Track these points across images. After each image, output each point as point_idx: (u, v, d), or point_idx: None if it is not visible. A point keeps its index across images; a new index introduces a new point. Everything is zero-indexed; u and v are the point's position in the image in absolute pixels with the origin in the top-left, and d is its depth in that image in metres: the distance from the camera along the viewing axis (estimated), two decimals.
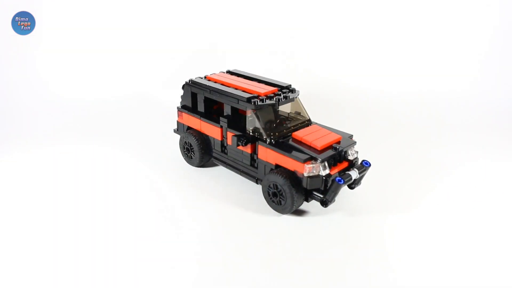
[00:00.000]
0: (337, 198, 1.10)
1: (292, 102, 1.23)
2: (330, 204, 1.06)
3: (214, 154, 1.33)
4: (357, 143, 1.15)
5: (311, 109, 1.39)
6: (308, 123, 1.23)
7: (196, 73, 1.48)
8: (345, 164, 1.11)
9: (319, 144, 1.07)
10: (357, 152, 1.15)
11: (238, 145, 1.15)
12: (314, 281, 0.89)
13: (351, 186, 1.14)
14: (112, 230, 1.06)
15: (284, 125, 1.19)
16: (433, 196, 1.22)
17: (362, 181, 1.15)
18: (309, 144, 1.09)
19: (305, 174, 1.04)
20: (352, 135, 1.17)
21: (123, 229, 1.07)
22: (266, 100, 1.14)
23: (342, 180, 1.02)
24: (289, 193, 1.05)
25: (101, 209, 1.15)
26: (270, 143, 1.11)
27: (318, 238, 1.03)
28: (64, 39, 2.12)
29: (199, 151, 1.33)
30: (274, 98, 1.16)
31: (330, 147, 1.08)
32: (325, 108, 1.92)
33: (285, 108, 1.29)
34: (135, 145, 1.56)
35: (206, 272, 0.91)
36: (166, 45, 2.18)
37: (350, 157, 1.12)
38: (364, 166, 1.10)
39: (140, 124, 1.79)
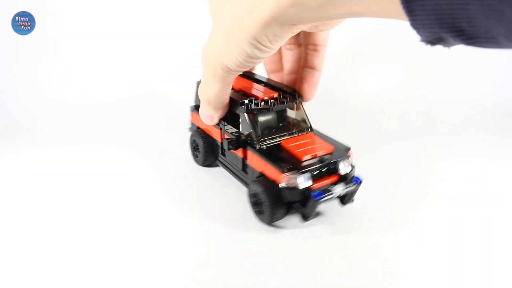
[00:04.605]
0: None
1: (293, 107, 1.18)
2: (310, 219, 1.00)
3: (219, 157, 1.32)
4: (352, 156, 1.07)
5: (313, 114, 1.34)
6: (306, 131, 1.17)
7: None
8: (335, 178, 1.04)
9: (303, 154, 1.01)
10: (352, 166, 1.07)
11: (229, 148, 1.13)
12: None
13: (342, 202, 1.07)
14: (112, 227, 1.09)
15: (279, 131, 1.14)
16: (428, 213, 1.16)
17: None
18: (293, 153, 1.03)
19: (282, 185, 0.98)
20: (349, 148, 1.09)
21: (124, 226, 1.09)
22: (261, 104, 1.09)
23: (319, 196, 0.94)
24: (268, 204, 1.01)
25: (104, 205, 1.19)
26: (257, 149, 1.07)
27: (301, 253, 0.98)
28: (67, 38, 2.12)
29: (203, 151, 1.34)
30: (270, 103, 1.11)
31: (316, 158, 1.02)
32: (323, 113, 1.90)
33: (291, 114, 1.23)
34: (143, 144, 1.61)
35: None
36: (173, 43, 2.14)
37: (341, 171, 1.04)
38: (353, 183, 1.02)
39: (149, 122, 1.83)
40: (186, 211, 1.16)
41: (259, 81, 1.28)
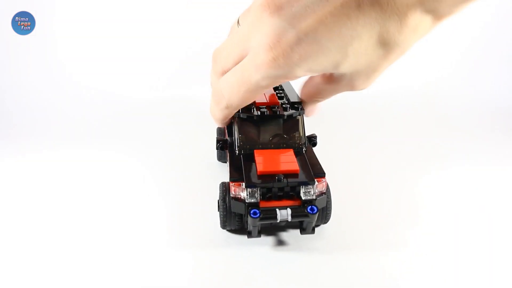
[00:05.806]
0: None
1: (293, 120, 1.08)
2: (253, 237, 0.96)
3: None
4: (324, 184, 0.97)
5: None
6: (298, 147, 1.07)
7: None
8: (296, 202, 0.95)
9: (261, 168, 0.95)
10: (322, 193, 0.97)
11: (216, 147, 1.16)
12: None
13: (300, 230, 1.00)
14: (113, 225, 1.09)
15: (264, 141, 1.06)
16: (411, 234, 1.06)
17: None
18: (256, 165, 0.97)
19: (232, 194, 0.96)
20: (323, 175, 0.98)
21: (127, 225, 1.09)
22: (253, 111, 1.06)
23: (255, 215, 0.89)
24: (221, 209, 0.99)
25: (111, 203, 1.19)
26: (232, 154, 1.06)
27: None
28: (67, 38, 2.12)
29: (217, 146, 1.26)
30: (258, 111, 1.06)
31: (275, 175, 0.93)
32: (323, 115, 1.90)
33: (288, 126, 1.11)
34: (144, 144, 1.60)
35: None
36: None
37: (303, 196, 0.95)
38: (307, 212, 0.92)
39: (150, 122, 1.83)
40: (186, 212, 1.16)
41: (277, 88, 1.24)
